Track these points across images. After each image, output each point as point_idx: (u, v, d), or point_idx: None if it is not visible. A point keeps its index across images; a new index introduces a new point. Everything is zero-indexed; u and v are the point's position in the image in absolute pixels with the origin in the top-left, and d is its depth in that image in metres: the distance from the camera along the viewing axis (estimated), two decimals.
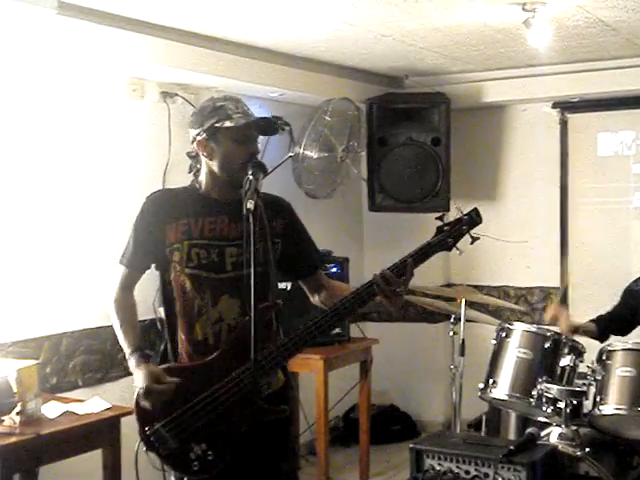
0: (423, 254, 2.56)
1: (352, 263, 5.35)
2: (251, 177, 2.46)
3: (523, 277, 5.99)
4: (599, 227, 5.79)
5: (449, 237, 2.58)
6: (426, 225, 6.06)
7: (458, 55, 5.11)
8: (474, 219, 2.61)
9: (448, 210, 5.72)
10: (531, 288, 5.98)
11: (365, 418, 5.20)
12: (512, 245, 5.77)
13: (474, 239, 2.60)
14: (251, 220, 2.35)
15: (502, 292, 6.03)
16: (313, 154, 5.00)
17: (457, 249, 2.60)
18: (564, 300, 5.86)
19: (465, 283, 5.68)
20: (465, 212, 2.62)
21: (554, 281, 5.89)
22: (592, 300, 5.35)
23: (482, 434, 4.22)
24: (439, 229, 2.60)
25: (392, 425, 6.03)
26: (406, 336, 6.21)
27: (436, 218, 2.62)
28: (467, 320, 4.45)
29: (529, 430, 3.35)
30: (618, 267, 5.57)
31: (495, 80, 5.69)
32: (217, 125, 2.58)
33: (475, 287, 5.41)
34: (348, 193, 5.85)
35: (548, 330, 3.74)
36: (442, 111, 5.61)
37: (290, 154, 5.03)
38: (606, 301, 4.46)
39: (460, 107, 5.78)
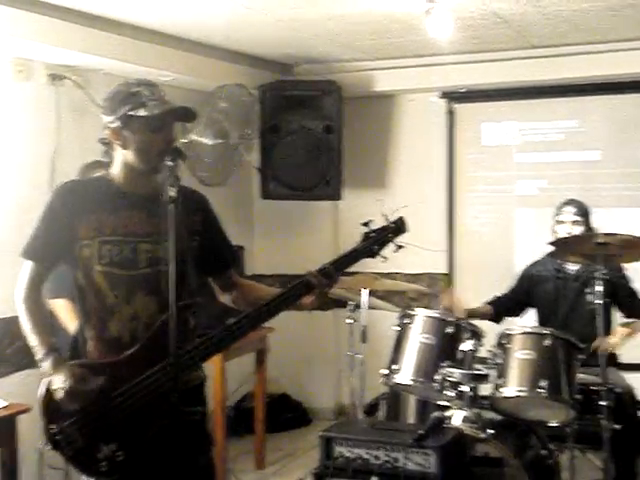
0: (349, 259, 2.59)
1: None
2: (170, 163, 2.38)
3: (411, 264, 6.04)
4: (484, 215, 5.95)
5: (374, 244, 2.61)
6: (317, 213, 6.18)
7: (351, 43, 5.12)
8: (400, 227, 2.65)
9: (339, 198, 5.75)
10: (419, 274, 6.08)
11: (261, 407, 5.17)
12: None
13: (398, 247, 2.64)
14: (172, 208, 2.27)
15: (392, 279, 6.07)
16: (207, 141, 4.90)
17: (382, 256, 2.62)
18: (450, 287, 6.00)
19: (357, 270, 5.71)
20: (392, 220, 2.65)
21: (442, 268, 6.02)
22: (477, 286, 5.50)
23: (379, 418, 4.27)
24: (366, 235, 2.62)
25: (284, 413, 6.03)
26: (297, 324, 6.16)
27: (362, 224, 2.64)
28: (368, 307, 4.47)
29: (435, 414, 3.40)
30: (502, 253, 5.75)
31: (385, 69, 5.75)
32: (131, 113, 2.46)
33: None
34: (241, 181, 5.78)
35: (450, 315, 3.81)
36: (334, 99, 5.61)
37: (183, 140, 4.92)
38: (492, 286, 4.60)
39: (351, 95, 5.80)
